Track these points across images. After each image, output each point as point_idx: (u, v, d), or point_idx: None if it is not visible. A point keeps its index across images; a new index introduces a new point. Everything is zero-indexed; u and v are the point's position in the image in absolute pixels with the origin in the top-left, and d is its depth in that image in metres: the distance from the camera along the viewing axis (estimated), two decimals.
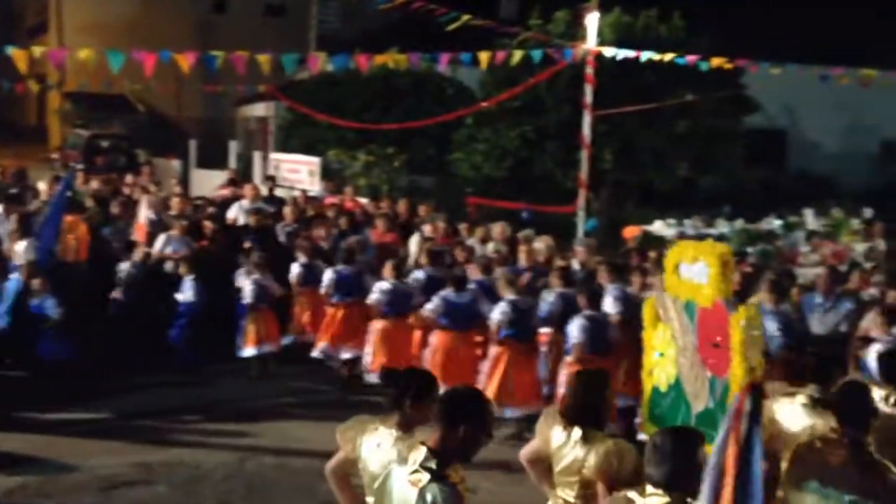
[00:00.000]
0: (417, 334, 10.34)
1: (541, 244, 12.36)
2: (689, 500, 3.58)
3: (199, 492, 7.79)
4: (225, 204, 15.00)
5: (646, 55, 15.52)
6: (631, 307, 8.68)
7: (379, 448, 4.28)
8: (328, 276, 11.08)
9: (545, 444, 4.82)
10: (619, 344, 8.82)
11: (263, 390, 10.80)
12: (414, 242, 12.73)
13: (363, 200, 16.90)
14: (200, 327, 11.25)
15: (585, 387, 4.72)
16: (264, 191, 15.82)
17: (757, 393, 3.58)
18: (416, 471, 3.69)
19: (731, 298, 4.61)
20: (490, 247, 12.20)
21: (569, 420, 4.70)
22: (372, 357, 10.36)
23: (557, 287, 9.80)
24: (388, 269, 10.49)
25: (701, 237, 15.05)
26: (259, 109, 29.18)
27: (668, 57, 15.30)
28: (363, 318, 10.73)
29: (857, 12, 27.99)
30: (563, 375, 8.72)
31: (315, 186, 17.86)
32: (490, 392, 9.11)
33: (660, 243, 14.53)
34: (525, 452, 4.93)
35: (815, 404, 4.94)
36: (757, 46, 19.32)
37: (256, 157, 23.71)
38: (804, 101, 25.99)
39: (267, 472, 8.28)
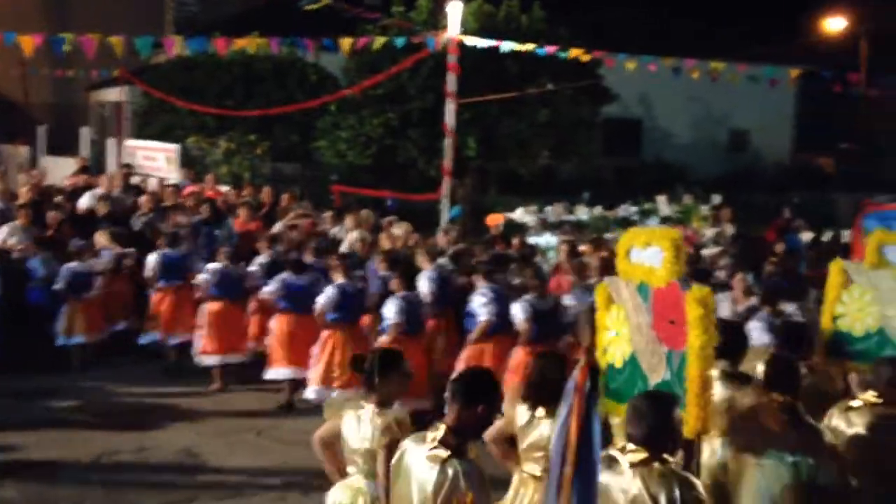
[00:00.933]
0: (255, 317, 10.38)
1: (400, 230, 12.42)
2: (664, 455, 3.92)
3: (54, 492, 7.45)
4: (76, 193, 14.36)
5: (507, 45, 15.74)
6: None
7: (359, 423, 4.73)
8: (152, 259, 10.86)
9: (509, 423, 5.15)
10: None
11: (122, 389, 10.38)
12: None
13: (225, 188, 16.52)
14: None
15: (546, 368, 5.19)
16: (119, 179, 15.21)
17: (595, 373, 3.74)
18: (435, 447, 3.90)
19: (684, 278, 4.90)
20: (355, 234, 12.14)
21: (532, 400, 5.08)
22: (204, 340, 10.32)
23: (382, 271, 9.93)
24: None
25: (561, 224, 15.48)
26: (113, 94, 28.07)
27: (529, 47, 15.56)
28: (192, 302, 10.66)
29: (707, 6, 29.23)
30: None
31: (173, 174, 17.32)
32: (315, 375, 9.22)
33: (521, 230, 14.84)
34: (490, 432, 5.05)
35: (729, 378, 5.33)
36: (614, 38, 19.94)
37: (110, 144, 22.81)
38: (658, 92, 26.96)
39: (123, 469, 8.00)
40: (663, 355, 4.92)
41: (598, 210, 16.16)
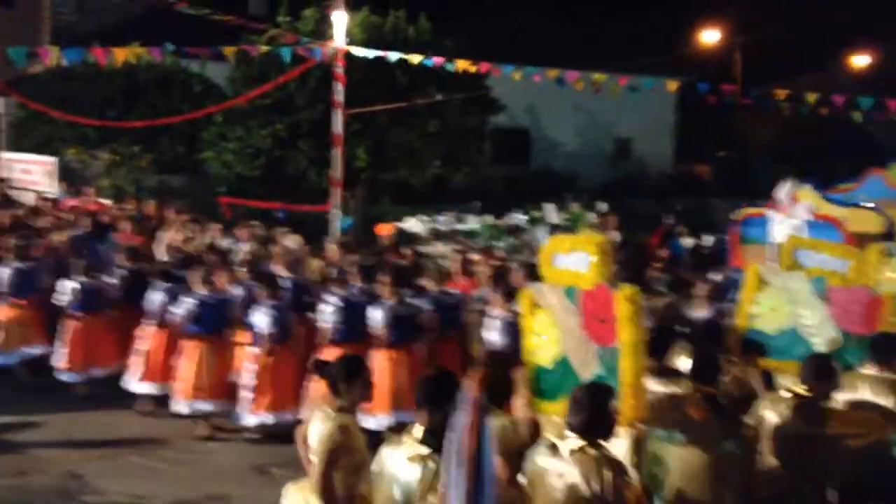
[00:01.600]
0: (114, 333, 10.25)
1: (290, 242, 12.29)
2: (600, 441, 4.27)
3: None
4: None
5: (394, 55, 15.77)
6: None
7: (322, 423, 4.83)
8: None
9: None
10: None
11: None
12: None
13: (107, 202, 16.02)
14: None
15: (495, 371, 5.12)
16: None
17: (489, 384, 3.89)
18: (415, 447, 4.21)
19: (612, 280, 5.28)
20: (245, 247, 11.94)
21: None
22: (64, 356, 10.10)
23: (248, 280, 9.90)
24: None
25: (452, 233, 15.58)
26: None
27: (416, 58, 15.63)
28: (49, 317, 10.38)
29: (591, 18, 29.96)
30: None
31: (53, 188, 16.71)
32: (182, 388, 9.09)
33: (413, 240, 14.86)
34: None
35: (657, 373, 5.68)
36: (501, 48, 20.24)
37: None
38: (545, 102, 27.46)
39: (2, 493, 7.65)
40: (594, 352, 5.24)
41: (488, 219, 16.31)
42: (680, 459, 4.93)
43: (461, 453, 3.62)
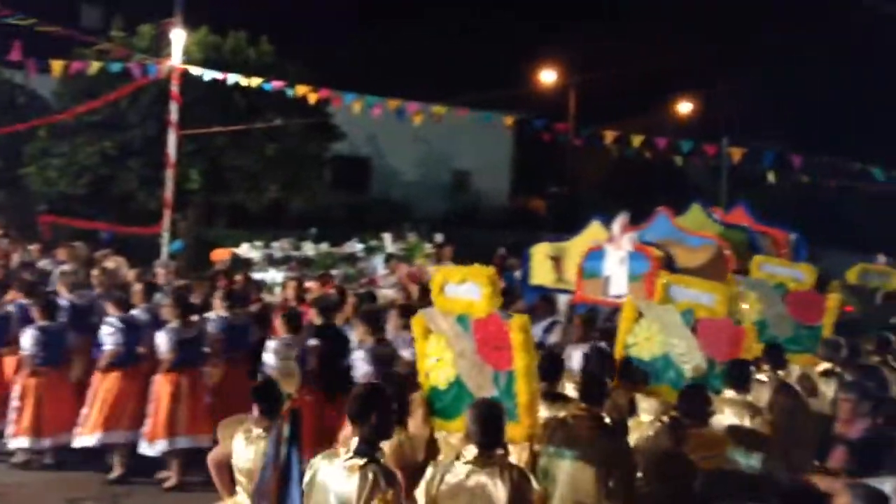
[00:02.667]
0: None
1: (113, 264, 11.80)
2: (498, 450, 4.74)
3: None
4: None
5: (233, 77, 15.49)
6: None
7: (247, 444, 5.25)
8: None
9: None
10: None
11: None
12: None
13: None
14: None
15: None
16: None
17: (295, 418, 3.99)
18: (351, 458, 4.43)
19: (502, 309, 5.75)
20: (65, 268, 11.35)
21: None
22: None
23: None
24: None
25: (288, 259, 15.37)
26: None
27: (256, 81, 15.40)
28: None
29: (436, 50, 30.38)
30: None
31: None
32: (22, 424, 8.63)
33: (247, 266, 14.56)
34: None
35: (548, 397, 6.11)
36: (345, 75, 20.20)
37: None
38: (386, 131, 27.55)
39: None
40: (489, 376, 5.67)
41: (324, 246, 16.19)
42: (569, 474, 5.37)
43: (265, 485, 3.73)
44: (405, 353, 7.71)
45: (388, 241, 16.98)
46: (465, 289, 5.77)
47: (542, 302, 9.80)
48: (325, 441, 6.13)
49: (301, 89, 15.13)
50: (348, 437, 4.63)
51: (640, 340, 7.15)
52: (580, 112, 27.10)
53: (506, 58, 29.76)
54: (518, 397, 5.53)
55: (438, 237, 17.92)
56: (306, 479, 4.50)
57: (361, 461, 4.42)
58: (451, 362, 5.85)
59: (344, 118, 22.23)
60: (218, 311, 9.20)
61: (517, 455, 5.49)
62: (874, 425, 5.78)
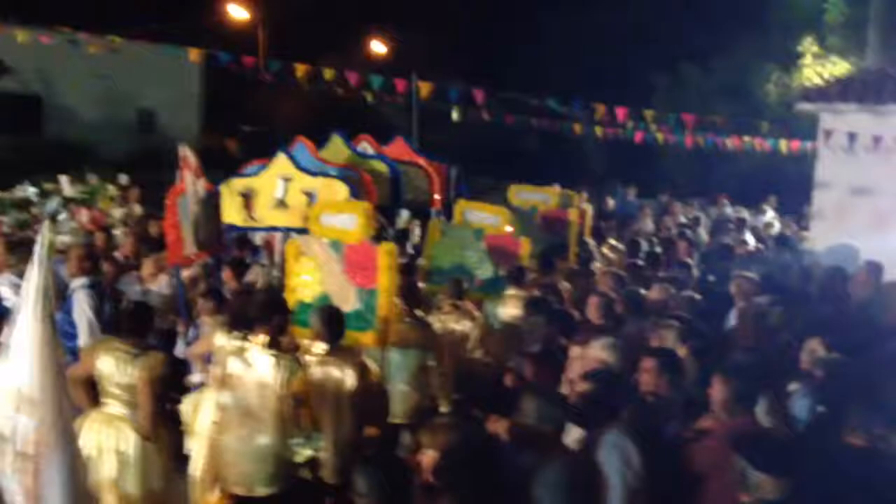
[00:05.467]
0: None
1: None
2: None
3: None
4: None
5: None
6: None
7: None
8: None
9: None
10: None
11: None
12: None
13: None
14: None
15: None
16: None
17: None
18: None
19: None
20: None
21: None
22: None
23: None
24: None
25: None
26: None
27: None
28: None
29: None
30: None
31: None
32: None
33: None
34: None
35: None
36: (8, 4, 18.27)
37: None
38: (60, 67, 25.52)
39: None
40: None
41: None
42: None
43: None
44: None
45: (66, 185, 15.75)
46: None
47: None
48: None
49: None
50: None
51: (303, 283, 7.29)
52: (271, 47, 26.55)
53: None
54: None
55: (123, 179, 16.89)
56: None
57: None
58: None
59: (7, 50, 20.18)
60: None
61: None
62: (550, 336, 6.46)
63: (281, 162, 8.85)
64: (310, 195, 8.43)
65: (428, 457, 4.14)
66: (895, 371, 5.50)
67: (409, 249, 11.76)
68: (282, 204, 8.62)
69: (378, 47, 33.25)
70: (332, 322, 5.87)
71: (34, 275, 3.83)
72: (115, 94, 29.20)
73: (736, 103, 23.49)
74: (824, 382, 5.35)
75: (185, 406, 6.26)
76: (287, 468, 5.57)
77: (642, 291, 7.80)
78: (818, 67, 23.23)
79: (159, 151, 28.42)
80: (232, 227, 9.72)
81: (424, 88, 15.74)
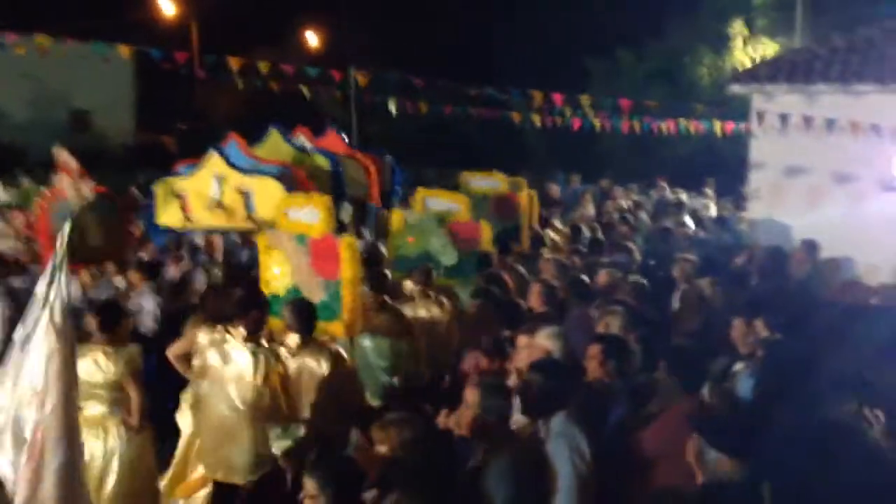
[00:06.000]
0: None
1: None
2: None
3: None
4: None
5: None
6: None
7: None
8: None
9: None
10: None
11: None
12: None
13: None
14: None
15: None
16: None
17: None
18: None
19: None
20: None
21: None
22: None
23: None
24: None
25: None
26: None
27: None
28: None
29: None
30: None
31: None
32: None
33: None
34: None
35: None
36: None
37: None
38: None
39: None
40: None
41: None
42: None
43: None
44: None
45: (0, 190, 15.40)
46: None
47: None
48: None
49: None
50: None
51: (273, 276, 7.49)
52: (204, 43, 26.15)
53: None
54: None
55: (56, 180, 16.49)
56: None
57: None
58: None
59: None
60: None
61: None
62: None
63: (213, 160, 8.66)
64: (245, 194, 8.33)
65: (379, 453, 4.14)
66: (833, 341, 5.64)
67: (367, 238, 11.73)
68: (218, 205, 8.49)
69: (313, 39, 32.96)
70: (304, 314, 6.11)
71: (48, 276, 3.96)
72: (47, 95, 28.61)
73: (670, 87, 23.81)
74: (766, 361, 5.44)
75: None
76: (264, 457, 5.75)
77: (585, 278, 7.87)
78: (749, 49, 23.64)
79: (95, 152, 27.89)
80: (170, 231, 9.50)
81: (361, 79, 15.65)
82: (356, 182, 10.25)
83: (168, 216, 9.14)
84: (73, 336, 4.00)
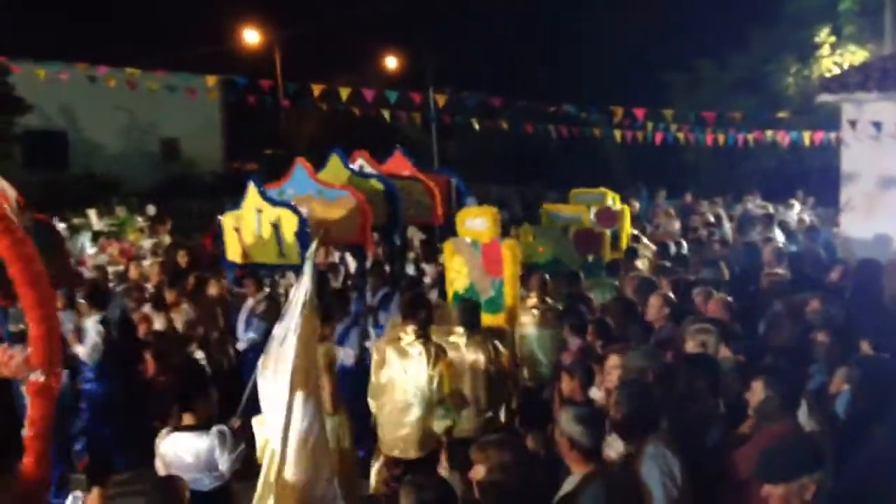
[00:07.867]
0: None
1: None
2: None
3: None
4: None
5: None
6: None
7: None
8: None
9: None
10: None
11: None
12: None
13: None
14: None
15: None
16: None
17: None
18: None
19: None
20: None
21: None
22: None
23: None
24: None
25: None
26: None
27: None
28: None
29: (128, 9, 28.59)
30: None
31: None
32: None
33: None
34: None
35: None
36: (28, 42, 18.48)
37: None
38: (81, 101, 25.75)
39: None
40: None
41: None
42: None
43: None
44: None
45: (94, 218, 15.94)
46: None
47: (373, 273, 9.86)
48: None
49: None
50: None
51: (457, 276, 8.63)
52: (286, 71, 26.69)
53: (207, 17, 28.70)
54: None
55: (151, 209, 17.04)
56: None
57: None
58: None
59: (29, 88, 20.43)
60: None
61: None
62: (585, 345, 6.83)
63: (251, 193, 8.88)
64: (275, 226, 8.55)
65: (477, 472, 4.14)
66: None
67: (411, 261, 11.82)
68: (260, 238, 8.72)
69: (392, 63, 33.37)
70: (469, 312, 7.01)
71: (304, 282, 4.83)
72: (138, 126, 29.44)
73: (754, 97, 23.33)
74: (863, 380, 5.27)
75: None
76: (431, 435, 6.47)
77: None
78: (836, 57, 23.02)
79: (184, 180, 28.70)
80: (233, 264, 9.57)
81: (440, 100, 15.77)
82: (420, 203, 10.34)
83: (231, 251, 9.30)
84: (315, 329, 4.89)
